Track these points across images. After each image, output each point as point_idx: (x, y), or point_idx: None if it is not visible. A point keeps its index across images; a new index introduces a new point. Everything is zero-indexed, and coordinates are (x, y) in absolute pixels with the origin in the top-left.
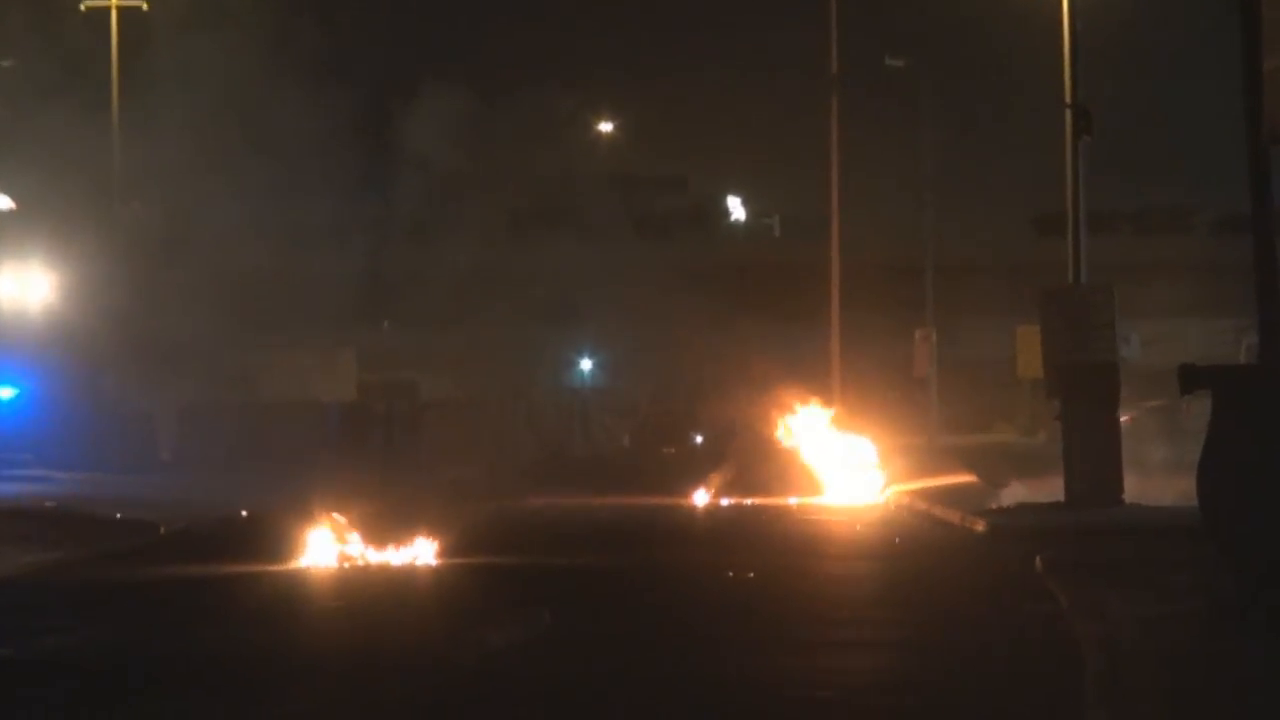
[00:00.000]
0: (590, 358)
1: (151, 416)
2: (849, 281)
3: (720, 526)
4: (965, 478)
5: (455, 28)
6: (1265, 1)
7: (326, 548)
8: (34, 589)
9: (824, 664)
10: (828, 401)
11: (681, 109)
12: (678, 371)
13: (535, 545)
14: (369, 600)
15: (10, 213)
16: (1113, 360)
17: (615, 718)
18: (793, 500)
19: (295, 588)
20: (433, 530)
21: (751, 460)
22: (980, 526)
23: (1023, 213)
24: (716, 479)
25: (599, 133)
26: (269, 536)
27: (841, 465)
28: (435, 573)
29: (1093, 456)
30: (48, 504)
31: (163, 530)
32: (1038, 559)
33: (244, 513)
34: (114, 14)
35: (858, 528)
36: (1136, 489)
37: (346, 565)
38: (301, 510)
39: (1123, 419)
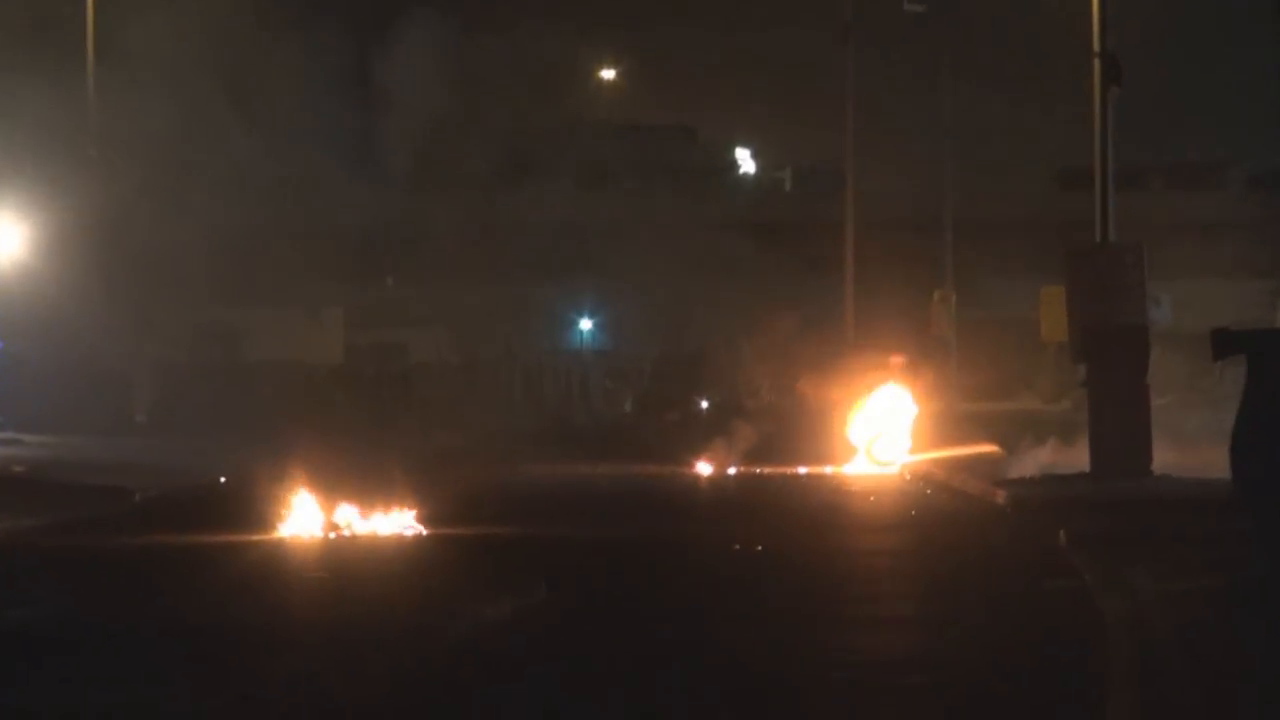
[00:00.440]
0: (590, 318)
1: (127, 376)
2: (864, 238)
3: (727, 497)
4: (986, 447)
5: None
6: None
7: (311, 517)
8: (0, 559)
9: (836, 642)
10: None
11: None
12: (683, 333)
13: (531, 515)
14: (354, 572)
15: None
16: (1142, 323)
17: (611, 693)
18: (803, 469)
19: (277, 559)
20: (423, 500)
21: (761, 426)
22: (1001, 498)
23: (1046, 167)
24: (724, 446)
25: (600, 79)
26: (250, 505)
27: (856, 432)
28: (425, 543)
29: (1120, 424)
30: (16, 469)
31: (138, 497)
32: (1061, 532)
33: (223, 479)
34: None
35: (871, 498)
36: (1168, 460)
37: (332, 536)
38: (284, 477)
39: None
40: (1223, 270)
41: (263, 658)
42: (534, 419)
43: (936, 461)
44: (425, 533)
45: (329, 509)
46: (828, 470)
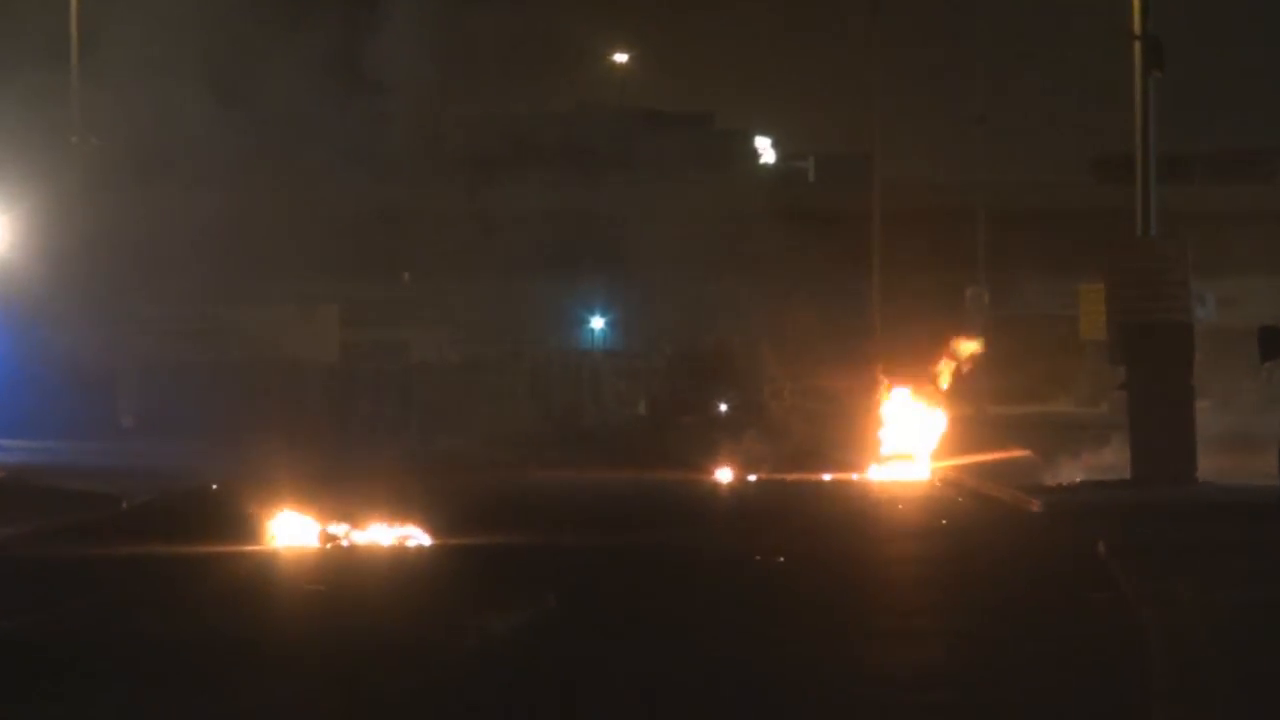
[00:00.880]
0: (602, 315)
1: (112, 377)
2: (890, 231)
3: (747, 505)
4: (1019, 452)
5: None
6: None
7: (306, 526)
8: None
9: (862, 656)
10: (864, 367)
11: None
12: (700, 331)
13: (538, 524)
14: (353, 583)
15: None
16: (1187, 321)
17: (620, 707)
18: (828, 476)
19: (273, 570)
20: (425, 507)
21: (783, 430)
22: (1036, 506)
23: (1079, 155)
24: (743, 451)
25: (613, 64)
26: (242, 512)
27: (883, 437)
28: (428, 554)
29: (1163, 428)
30: None
31: (124, 504)
32: (1099, 542)
33: (214, 486)
34: None
35: (900, 506)
36: (1213, 465)
37: (329, 546)
38: (278, 484)
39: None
40: (1271, 265)
41: (255, 676)
42: (541, 421)
43: (967, 467)
44: (425, 543)
45: (323, 519)
46: (854, 477)
